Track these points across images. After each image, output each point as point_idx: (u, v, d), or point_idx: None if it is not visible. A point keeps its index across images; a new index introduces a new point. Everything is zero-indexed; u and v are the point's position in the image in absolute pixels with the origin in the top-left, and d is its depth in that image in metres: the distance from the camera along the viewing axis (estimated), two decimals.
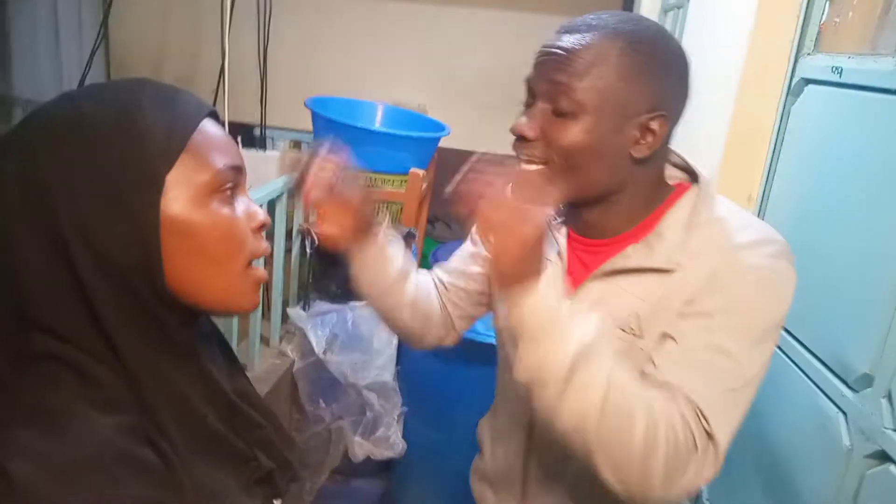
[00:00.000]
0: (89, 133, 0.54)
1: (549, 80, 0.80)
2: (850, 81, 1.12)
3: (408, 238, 2.20)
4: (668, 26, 2.20)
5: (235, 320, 1.90)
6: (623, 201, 0.86)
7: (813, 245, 1.17)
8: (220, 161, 0.58)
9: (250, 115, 3.10)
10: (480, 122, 3.27)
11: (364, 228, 0.96)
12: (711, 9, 1.64)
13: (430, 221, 3.46)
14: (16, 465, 0.47)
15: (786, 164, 1.34)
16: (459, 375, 1.95)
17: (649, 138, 0.80)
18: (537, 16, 3.06)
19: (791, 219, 1.27)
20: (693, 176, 0.89)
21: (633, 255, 0.85)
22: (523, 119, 0.83)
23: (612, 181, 0.83)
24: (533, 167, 0.82)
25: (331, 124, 2.21)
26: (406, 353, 2.17)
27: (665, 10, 2.24)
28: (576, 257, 0.93)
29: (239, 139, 2.80)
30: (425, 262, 2.85)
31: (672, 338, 0.80)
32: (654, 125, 0.79)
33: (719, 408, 0.74)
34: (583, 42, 0.78)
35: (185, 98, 0.60)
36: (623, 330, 0.84)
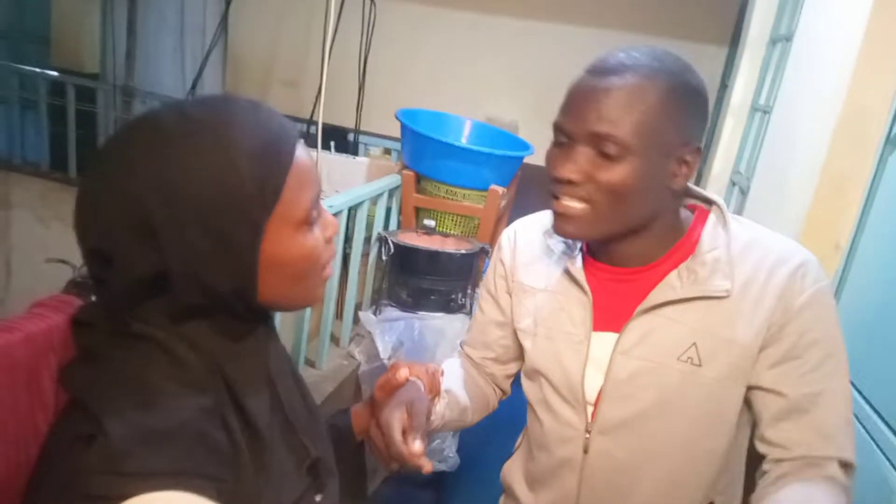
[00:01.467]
0: (191, 177, 0.57)
1: (590, 124, 0.79)
2: None
3: (481, 253, 2.21)
4: (772, 60, 2.12)
5: (307, 320, 1.98)
6: (655, 228, 0.87)
7: None
8: (308, 197, 0.63)
9: (346, 120, 3.22)
10: None
11: None
12: (816, 44, 1.56)
13: None
14: (114, 426, 0.54)
15: (878, 214, 1.25)
16: (519, 399, 1.94)
17: (685, 170, 0.83)
18: (633, 34, 3.01)
19: (878, 272, 1.19)
20: (704, 201, 0.93)
21: (678, 284, 0.86)
22: (564, 163, 0.82)
23: (651, 213, 0.85)
24: (577, 205, 0.82)
25: (417, 136, 2.26)
26: None
27: (774, 41, 2.15)
28: (603, 288, 0.91)
29: (332, 144, 2.91)
30: None
31: (778, 393, 0.83)
32: (689, 157, 0.82)
33: (849, 441, 0.82)
34: (621, 83, 0.78)
35: (276, 130, 0.62)
36: (681, 360, 0.85)
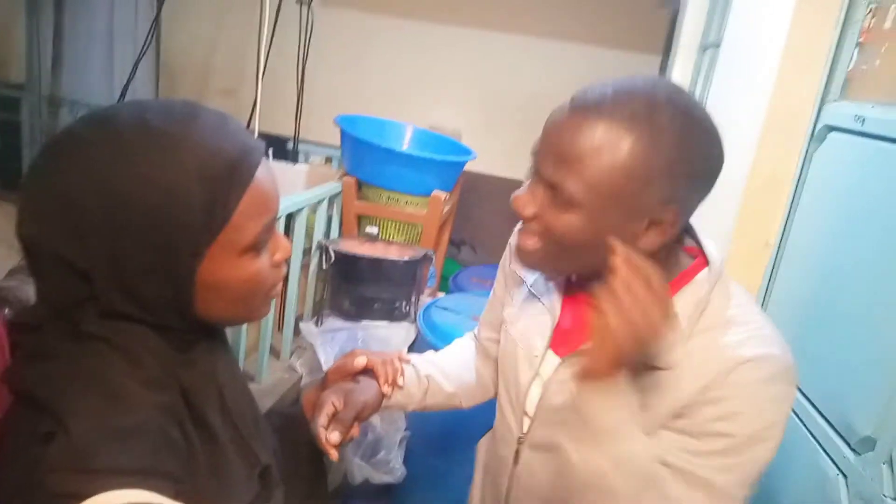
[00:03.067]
0: (139, 184, 0.55)
1: (547, 166, 0.74)
2: (871, 131, 1.08)
3: (425, 260, 2.19)
4: (702, 66, 2.18)
5: (245, 333, 1.91)
6: None
7: (826, 297, 1.13)
8: (262, 221, 0.61)
9: (286, 128, 3.16)
10: (513, 149, 3.27)
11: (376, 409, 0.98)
12: (742, 50, 1.61)
13: (457, 244, 3.46)
14: (76, 423, 0.52)
15: (805, 211, 1.29)
16: (472, 411, 1.92)
17: (655, 232, 0.73)
18: (576, 45, 3.06)
19: (806, 269, 1.23)
20: (705, 255, 0.82)
21: None
22: (523, 194, 0.78)
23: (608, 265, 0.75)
24: (531, 241, 0.79)
25: (358, 143, 2.24)
26: None
27: (703, 48, 2.22)
28: (574, 311, 0.88)
29: (270, 151, 2.85)
30: (445, 285, 2.84)
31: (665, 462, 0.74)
32: (668, 217, 0.72)
33: None
34: (591, 127, 0.69)
35: (237, 148, 0.59)
36: None
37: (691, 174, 0.72)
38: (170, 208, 0.55)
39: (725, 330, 0.74)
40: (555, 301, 0.89)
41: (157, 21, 2.99)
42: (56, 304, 0.59)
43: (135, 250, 0.56)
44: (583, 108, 0.71)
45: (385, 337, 2.08)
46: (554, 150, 0.72)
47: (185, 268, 0.58)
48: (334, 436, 0.85)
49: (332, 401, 0.89)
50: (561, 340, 0.88)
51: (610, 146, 0.68)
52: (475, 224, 3.32)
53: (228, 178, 0.58)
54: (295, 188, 2.43)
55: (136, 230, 0.55)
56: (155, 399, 0.58)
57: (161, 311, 0.60)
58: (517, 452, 0.92)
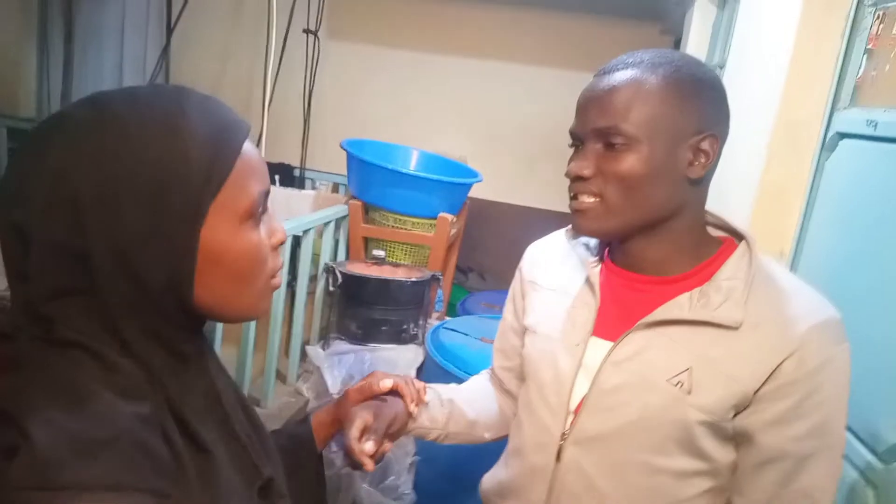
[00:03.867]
0: (134, 152, 0.53)
1: (595, 121, 0.81)
2: (885, 134, 1.07)
3: (432, 281, 2.17)
4: None
5: (250, 356, 1.89)
6: (675, 229, 0.85)
7: (845, 306, 1.10)
8: (257, 188, 0.60)
9: (293, 157, 3.18)
10: (518, 174, 3.29)
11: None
12: (748, 66, 1.62)
13: (464, 271, 3.45)
14: (39, 434, 0.48)
15: (819, 219, 1.28)
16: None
17: (702, 158, 0.82)
18: (579, 73, 3.08)
19: (823, 278, 1.20)
20: (735, 235, 0.89)
21: (688, 305, 0.83)
22: (576, 161, 0.84)
23: (670, 203, 0.83)
24: (589, 200, 0.84)
25: (364, 165, 2.24)
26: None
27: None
28: (614, 295, 0.90)
29: (277, 178, 2.87)
30: (452, 312, 2.82)
31: (767, 447, 0.80)
32: (706, 145, 0.81)
33: None
34: (622, 78, 0.81)
35: (227, 118, 0.60)
36: (670, 382, 0.81)
37: (714, 102, 0.82)
38: (165, 166, 0.54)
39: (786, 289, 0.82)
40: (595, 286, 0.91)
41: (166, 52, 3.03)
42: (40, 302, 0.55)
43: (134, 218, 0.53)
44: (610, 69, 0.83)
45: (393, 359, 2.06)
46: (597, 106, 0.82)
47: (187, 231, 0.55)
48: (369, 445, 0.88)
49: (362, 415, 0.92)
50: (602, 324, 0.89)
51: (643, 81, 0.80)
52: (483, 251, 3.31)
53: (223, 139, 0.58)
54: (302, 213, 2.44)
55: (134, 196, 0.53)
56: (132, 409, 0.53)
57: (161, 295, 0.56)
58: (559, 452, 0.89)
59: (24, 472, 0.46)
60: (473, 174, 2.52)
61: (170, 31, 3.00)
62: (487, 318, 2.23)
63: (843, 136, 1.23)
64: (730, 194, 1.46)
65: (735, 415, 0.81)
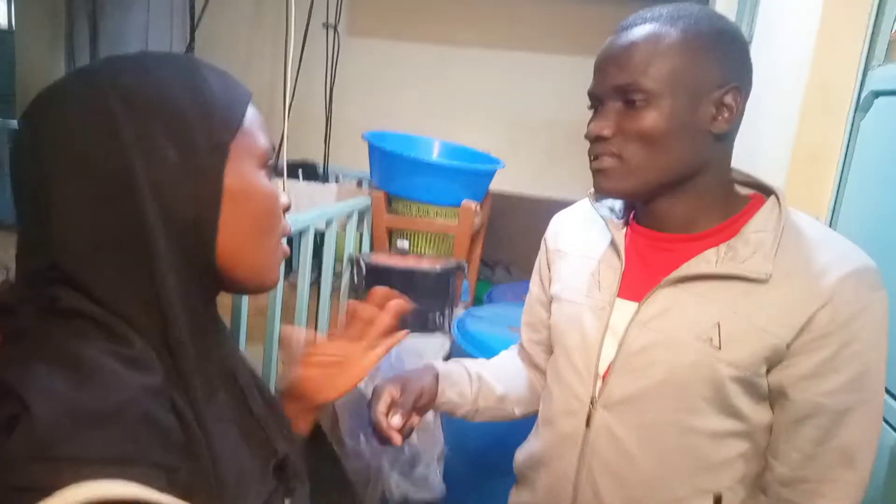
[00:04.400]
0: (162, 93, 0.55)
1: (612, 78, 0.80)
2: None
3: (458, 270, 2.15)
4: None
5: (275, 352, 1.87)
6: (700, 185, 0.83)
7: (886, 269, 1.05)
8: (265, 141, 0.62)
9: (316, 155, 3.19)
10: (542, 166, 3.25)
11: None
12: (778, 30, 1.57)
13: (490, 266, 3.41)
14: (39, 404, 0.46)
15: (855, 183, 1.22)
16: (513, 424, 1.85)
17: (726, 113, 0.79)
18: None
19: (862, 241, 1.15)
20: (763, 191, 0.86)
21: (715, 259, 0.80)
22: (596, 121, 0.82)
23: (695, 160, 0.81)
24: (610, 160, 0.81)
25: (386, 155, 2.23)
26: None
27: None
28: (639, 256, 0.88)
29: (300, 171, 2.87)
30: (479, 304, 2.79)
31: (804, 403, 0.77)
32: (729, 99, 0.79)
33: (870, 462, 0.78)
34: (639, 33, 0.79)
35: (233, 77, 0.63)
36: (700, 339, 0.79)
37: (736, 54, 0.80)
38: (191, 102, 0.56)
39: (818, 239, 0.79)
40: (620, 248, 0.89)
41: (190, 52, 3.06)
42: (56, 267, 0.54)
43: (166, 146, 0.54)
44: (628, 25, 0.81)
45: (419, 349, 2.03)
46: (615, 63, 0.80)
47: (214, 164, 0.57)
48: (396, 419, 0.89)
49: (388, 389, 0.92)
50: (628, 286, 0.87)
51: (662, 34, 0.78)
52: (508, 245, 3.28)
53: (234, 89, 0.61)
54: (325, 206, 2.43)
55: (164, 125, 0.54)
56: (139, 379, 0.51)
57: (187, 236, 0.56)
58: (589, 417, 0.87)
59: (23, 444, 0.44)
60: (495, 161, 2.49)
61: (193, 31, 3.03)
62: (515, 305, 2.19)
63: (878, 94, 1.18)
64: (762, 161, 1.41)
65: (768, 370, 0.78)
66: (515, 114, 3.28)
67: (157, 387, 0.52)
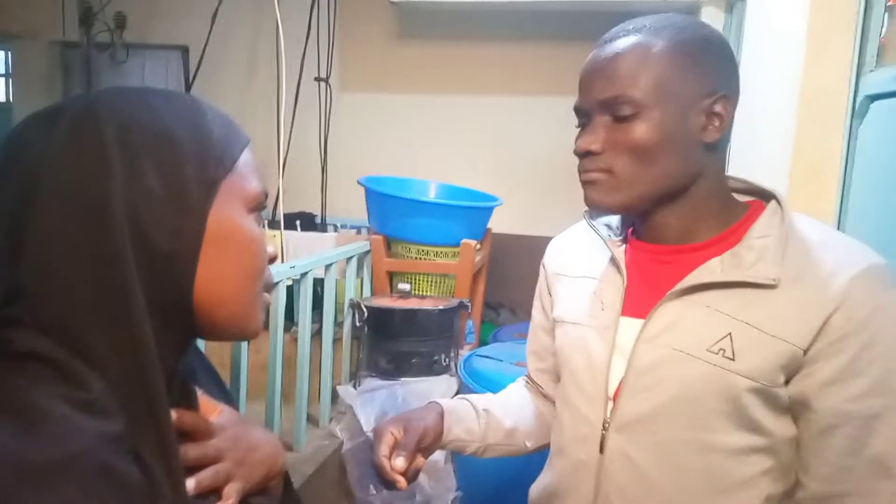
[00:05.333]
0: (158, 123, 0.54)
1: (601, 91, 0.78)
2: None
3: (461, 308, 2.11)
4: None
5: (279, 407, 1.82)
6: (696, 196, 0.80)
7: None
8: (257, 186, 0.61)
9: (314, 207, 3.20)
10: (538, 206, 3.24)
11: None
12: (764, 40, 1.58)
13: (494, 308, 3.37)
14: None
15: (859, 190, 1.20)
16: (521, 457, 1.79)
17: (716, 122, 0.77)
18: None
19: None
20: (762, 196, 0.83)
21: (720, 267, 0.77)
22: (584, 136, 0.80)
23: (687, 171, 0.79)
24: (598, 177, 0.79)
25: (383, 198, 2.22)
26: None
27: None
28: (641, 271, 0.85)
29: (298, 223, 2.86)
30: (484, 345, 2.74)
31: (827, 412, 0.73)
32: (719, 107, 0.77)
33: None
34: (624, 45, 0.77)
35: (231, 119, 0.62)
36: (711, 351, 0.75)
37: (723, 61, 0.79)
38: (184, 134, 0.54)
39: (824, 240, 0.76)
40: (620, 264, 0.86)
41: None
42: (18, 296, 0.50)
43: (151, 172, 0.52)
44: (612, 37, 0.80)
45: (425, 391, 1.98)
46: (601, 76, 0.78)
47: (199, 199, 0.55)
48: (399, 461, 0.85)
49: (390, 430, 0.89)
50: (632, 303, 0.83)
51: (647, 45, 0.76)
52: (510, 286, 3.24)
53: (232, 129, 0.60)
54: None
55: (154, 153, 0.53)
56: (95, 426, 0.47)
57: (163, 263, 0.53)
58: (602, 442, 0.82)
59: None
60: (493, 198, 2.48)
61: (188, 90, 3.07)
62: (522, 343, 2.15)
63: (873, 98, 1.17)
64: (761, 172, 1.40)
65: (787, 381, 0.74)
66: (508, 155, 3.30)
67: (116, 434, 0.48)
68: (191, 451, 0.57)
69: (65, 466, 0.44)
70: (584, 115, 0.81)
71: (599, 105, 0.78)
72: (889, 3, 1.15)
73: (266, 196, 0.62)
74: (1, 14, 3.62)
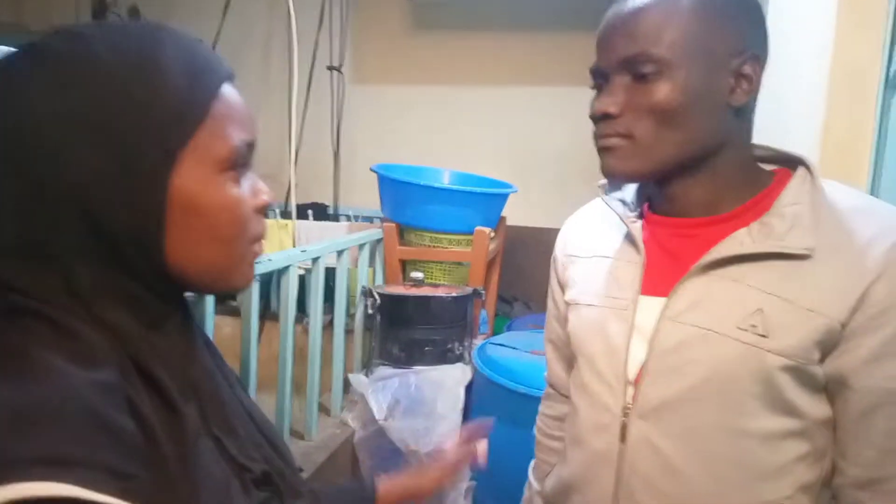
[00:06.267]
0: (103, 85, 0.49)
1: (620, 50, 0.72)
2: None
3: (474, 296, 2.08)
4: None
5: (289, 395, 1.79)
6: (720, 164, 0.75)
7: None
8: (237, 136, 0.55)
9: (325, 196, 3.18)
10: (554, 197, 3.20)
11: None
12: (792, 15, 1.53)
13: (509, 301, 3.33)
14: None
15: (893, 166, 1.16)
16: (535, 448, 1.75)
17: (745, 84, 0.72)
18: None
19: None
20: (789, 163, 0.78)
21: (749, 238, 0.73)
22: (601, 98, 0.75)
23: (712, 137, 0.74)
24: (618, 140, 0.74)
25: (396, 185, 2.19)
26: (475, 419, 1.99)
27: None
28: (661, 247, 0.80)
29: (310, 213, 2.84)
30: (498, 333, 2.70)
31: (870, 391, 0.69)
32: (748, 69, 0.72)
33: None
34: (648, 1, 0.72)
35: (205, 57, 0.55)
36: (741, 328, 0.70)
37: (752, 19, 0.74)
38: (135, 104, 0.49)
39: (861, 207, 0.72)
40: (637, 240, 0.81)
41: None
42: None
43: (97, 152, 0.48)
44: None
45: (439, 379, 1.95)
46: (622, 32, 0.73)
47: (155, 173, 0.50)
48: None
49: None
50: (651, 281, 0.78)
51: (671, 2, 0.71)
52: (525, 279, 3.20)
53: (198, 80, 0.52)
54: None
55: (98, 130, 0.48)
56: (87, 375, 0.46)
57: (127, 247, 0.50)
58: (623, 431, 0.78)
59: None
60: (507, 185, 2.45)
61: None
62: (536, 332, 2.11)
63: None
64: (791, 149, 1.36)
65: (822, 358, 0.69)
66: (524, 147, 3.25)
67: (109, 382, 0.47)
68: None
69: (54, 412, 0.42)
70: (602, 77, 0.76)
71: (619, 64, 0.73)
72: None
73: (251, 145, 0.57)
74: (15, 7, 3.62)
